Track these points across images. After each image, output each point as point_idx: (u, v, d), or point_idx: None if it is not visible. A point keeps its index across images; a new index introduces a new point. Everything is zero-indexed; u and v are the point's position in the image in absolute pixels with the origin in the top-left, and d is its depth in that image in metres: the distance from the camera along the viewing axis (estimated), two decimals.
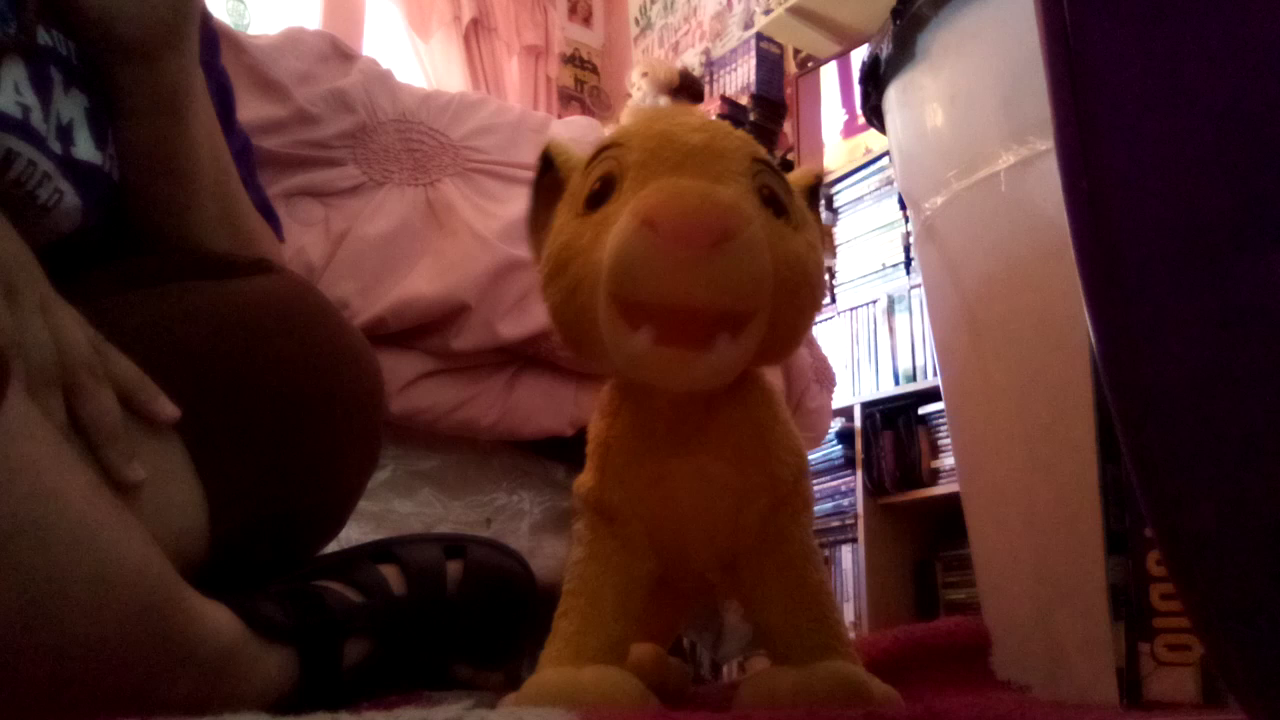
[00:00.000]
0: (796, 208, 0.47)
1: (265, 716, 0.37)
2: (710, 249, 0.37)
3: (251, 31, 1.07)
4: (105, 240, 0.56)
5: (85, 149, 0.52)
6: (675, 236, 0.37)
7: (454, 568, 0.63)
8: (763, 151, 0.47)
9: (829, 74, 2.50)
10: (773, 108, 2.69)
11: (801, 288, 0.45)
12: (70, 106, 0.52)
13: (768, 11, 2.65)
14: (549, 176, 0.52)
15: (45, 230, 0.50)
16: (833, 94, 2.48)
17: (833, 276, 2.28)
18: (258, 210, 0.66)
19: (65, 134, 0.51)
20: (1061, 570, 0.67)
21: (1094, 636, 0.63)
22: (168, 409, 0.47)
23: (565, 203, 0.48)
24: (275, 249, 0.68)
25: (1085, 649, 0.64)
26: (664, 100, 2.60)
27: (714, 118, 0.53)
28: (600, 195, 0.45)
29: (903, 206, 2.06)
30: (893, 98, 0.87)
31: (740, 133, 0.47)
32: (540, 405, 0.96)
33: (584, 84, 3.52)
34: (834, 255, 2.27)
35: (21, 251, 0.44)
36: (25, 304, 0.42)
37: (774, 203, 0.45)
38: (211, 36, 0.68)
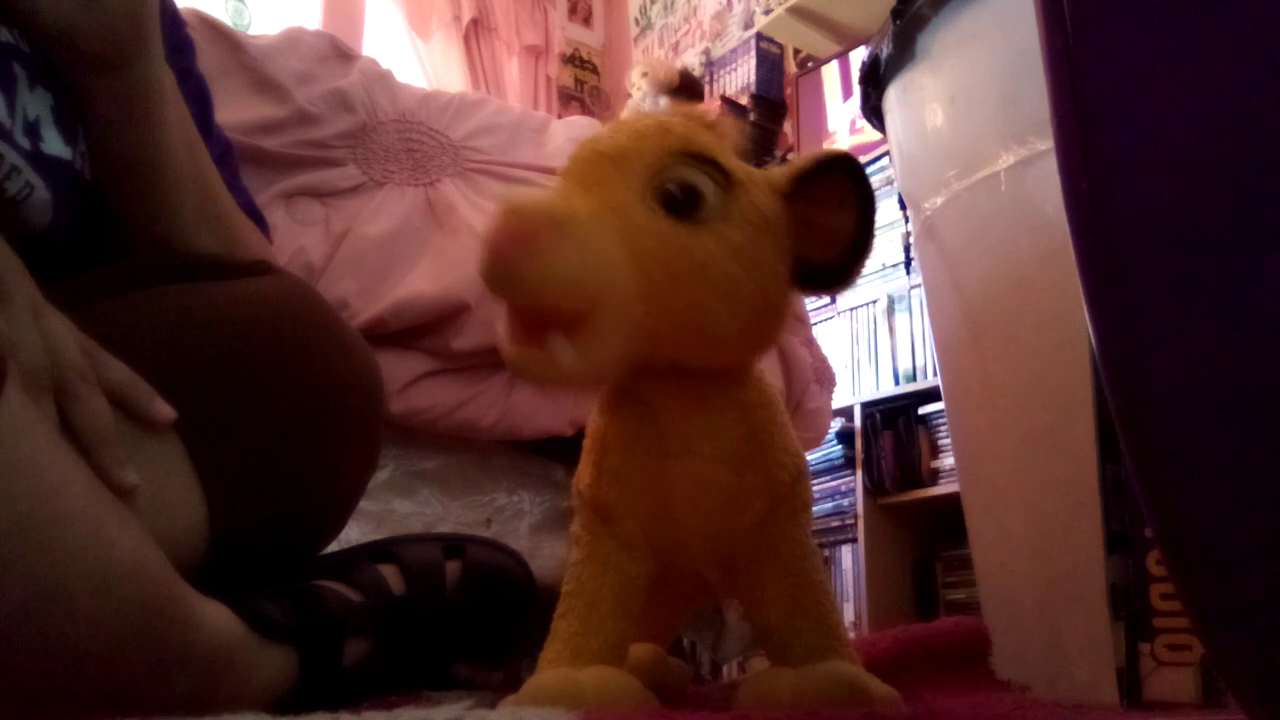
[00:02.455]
0: (736, 205, 0.46)
1: (265, 716, 0.37)
2: (512, 250, 0.40)
3: (251, 31, 1.07)
4: (81, 241, 0.56)
5: (54, 145, 0.52)
6: (489, 242, 0.41)
7: (453, 567, 0.63)
8: (700, 145, 0.47)
9: (832, 73, 2.50)
10: (773, 108, 2.69)
11: (697, 287, 0.44)
12: (36, 103, 0.52)
13: (768, 11, 2.65)
14: None
15: (17, 225, 0.50)
16: (835, 93, 2.48)
17: None
18: (244, 212, 0.66)
19: (32, 130, 0.51)
20: (1061, 570, 0.67)
21: (1094, 636, 0.63)
22: (163, 411, 0.47)
23: None
24: (265, 249, 0.68)
25: (1085, 649, 0.64)
26: (664, 100, 2.60)
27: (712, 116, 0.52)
28: None
29: (903, 206, 2.06)
30: (893, 98, 0.87)
31: (680, 129, 0.47)
32: (540, 405, 0.96)
33: (584, 84, 3.52)
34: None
35: (10, 255, 0.44)
36: (16, 307, 0.42)
37: (683, 201, 0.45)
38: (186, 43, 0.68)
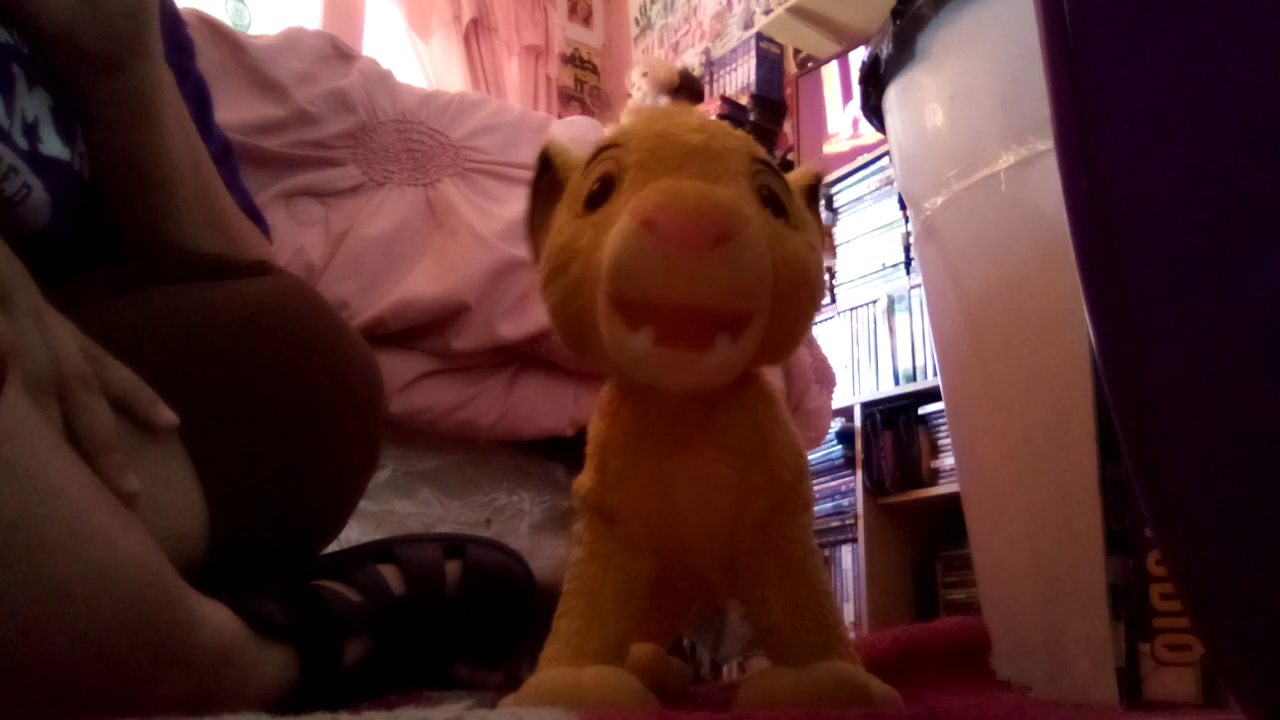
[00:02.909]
0: (795, 208, 0.47)
1: (265, 716, 0.37)
2: (710, 250, 0.38)
3: (251, 31, 1.07)
4: (79, 242, 0.56)
5: (52, 145, 0.52)
6: (675, 237, 0.37)
7: (453, 568, 0.63)
8: (762, 151, 0.47)
9: (832, 75, 2.50)
10: (773, 108, 2.69)
11: (801, 288, 0.45)
12: (34, 104, 0.52)
13: (768, 11, 2.65)
14: (547, 177, 0.52)
15: (15, 226, 0.50)
16: (835, 95, 2.48)
17: (833, 276, 2.28)
18: (243, 212, 0.66)
19: (31, 131, 0.51)
20: (1061, 570, 0.67)
21: (1094, 636, 0.63)
22: (166, 416, 0.47)
23: (564, 203, 0.48)
24: (265, 250, 0.68)
25: (1085, 649, 0.64)
26: (664, 100, 2.60)
27: (714, 118, 0.53)
28: (599, 195, 0.45)
29: (903, 206, 2.06)
30: (893, 98, 0.87)
31: (739, 133, 0.47)
32: (540, 405, 0.96)
33: (584, 84, 3.52)
34: (834, 255, 2.27)
35: (11, 258, 0.44)
36: (19, 311, 0.42)
37: (773, 203, 0.45)
38: (185, 42, 0.69)
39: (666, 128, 0.45)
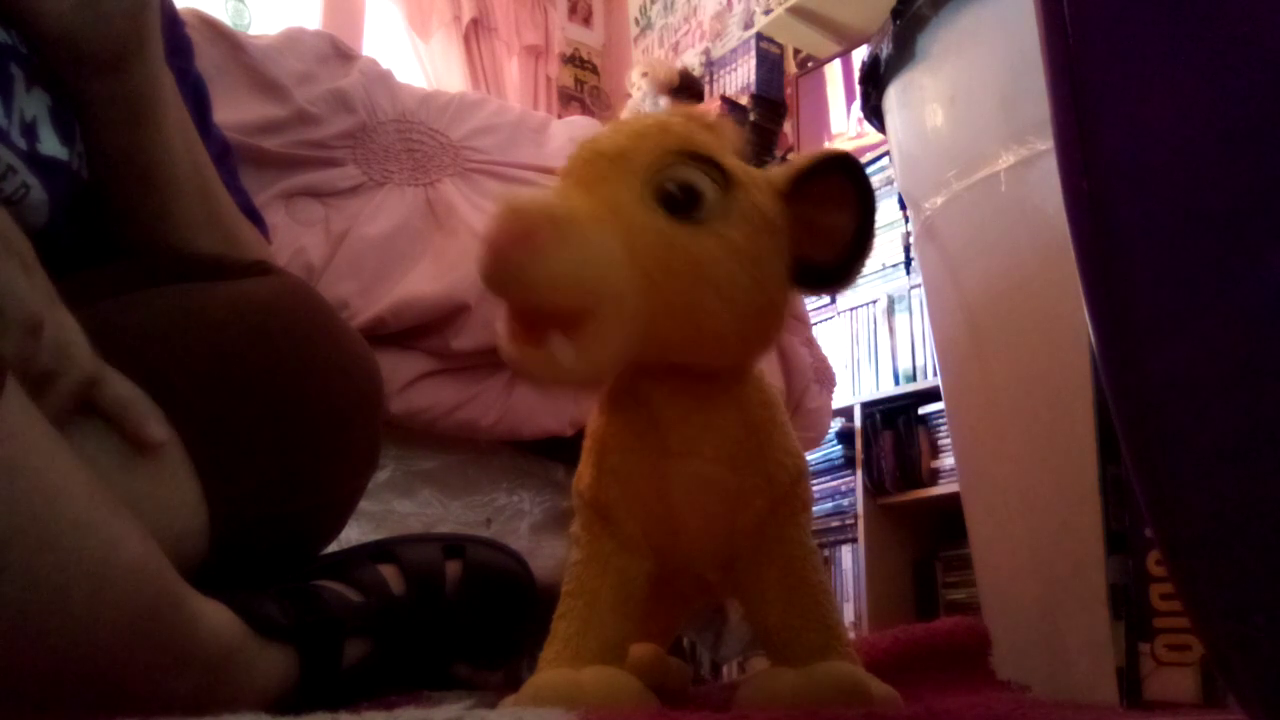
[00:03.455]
0: (735, 205, 0.46)
1: (265, 716, 0.37)
2: (511, 251, 0.40)
3: (251, 31, 1.07)
4: (78, 241, 0.56)
5: (50, 145, 0.52)
6: (489, 243, 0.41)
7: (453, 568, 0.63)
8: (699, 145, 0.47)
9: (835, 75, 2.50)
10: (773, 108, 2.69)
11: (697, 287, 0.44)
12: (33, 104, 0.52)
13: (768, 11, 2.65)
14: None
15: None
16: (839, 94, 2.48)
17: None
18: (242, 212, 0.66)
19: (29, 130, 0.51)
20: (1061, 570, 0.67)
21: (1094, 636, 0.63)
22: (156, 434, 0.47)
23: None
24: (264, 250, 0.68)
25: (1085, 649, 0.64)
26: (664, 100, 2.60)
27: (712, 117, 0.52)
28: None
29: (903, 206, 2.06)
30: (893, 98, 0.87)
31: (679, 128, 0.47)
32: (540, 405, 0.96)
33: (584, 84, 3.52)
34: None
35: (30, 246, 0.44)
36: (38, 285, 0.43)
37: (684, 202, 0.45)
38: (185, 43, 0.69)
39: (601, 133, 0.47)
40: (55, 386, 0.43)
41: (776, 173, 0.50)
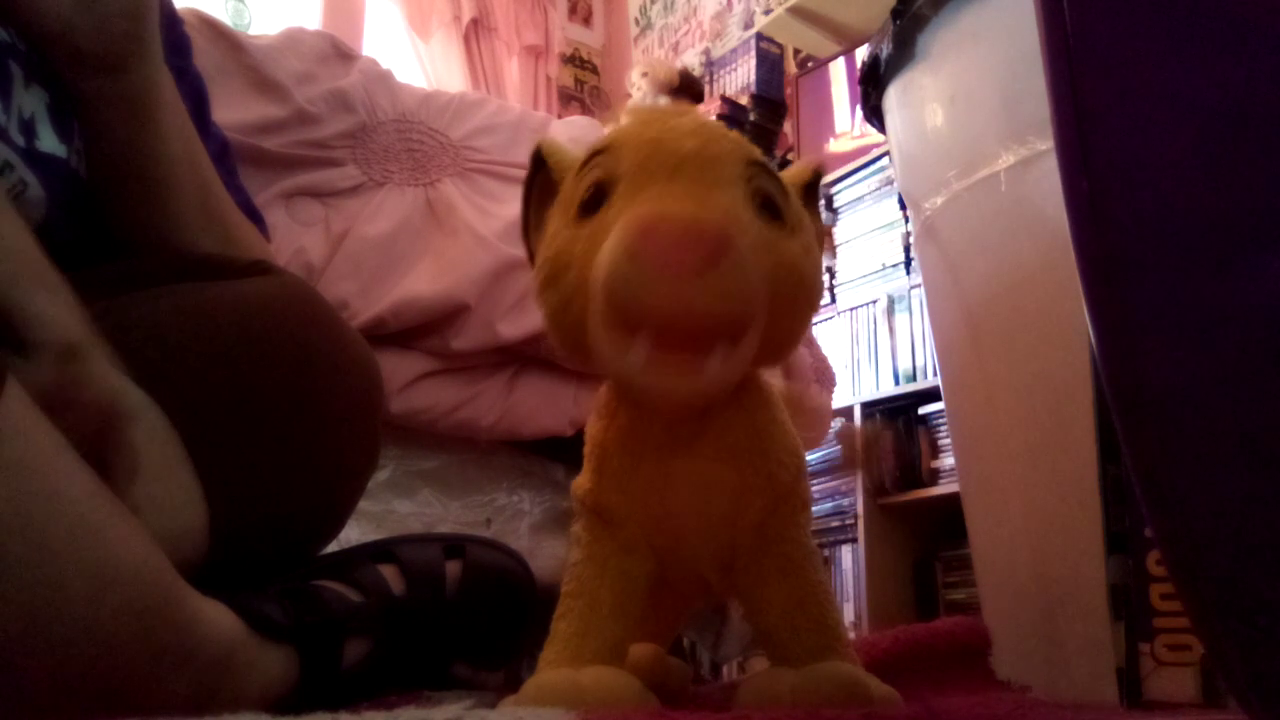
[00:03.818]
0: (792, 209, 0.47)
1: (265, 716, 0.37)
2: (699, 273, 0.38)
3: (251, 31, 1.07)
4: (76, 238, 0.56)
5: (49, 142, 0.52)
6: (663, 262, 0.38)
7: (453, 568, 0.62)
8: (757, 153, 0.47)
9: (839, 74, 2.50)
10: (773, 108, 2.69)
11: (798, 292, 0.45)
12: (31, 101, 0.52)
13: (768, 11, 2.65)
14: (542, 175, 0.52)
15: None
16: (843, 93, 2.48)
17: (833, 276, 2.28)
18: (241, 211, 0.66)
19: (27, 127, 0.51)
20: (1061, 570, 0.67)
21: (1094, 636, 0.63)
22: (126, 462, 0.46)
23: (558, 208, 0.48)
24: (264, 249, 0.68)
25: (1085, 649, 0.64)
26: (664, 100, 2.60)
27: (713, 118, 0.52)
28: (592, 203, 0.45)
29: (903, 206, 2.06)
30: (893, 98, 0.87)
31: (734, 135, 0.47)
32: (540, 405, 0.96)
33: (584, 84, 3.52)
34: (834, 255, 2.27)
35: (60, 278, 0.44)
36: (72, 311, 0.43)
37: (769, 207, 0.45)
38: (183, 41, 0.69)
39: (659, 134, 0.45)
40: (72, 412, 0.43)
41: (795, 178, 0.51)
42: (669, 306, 0.38)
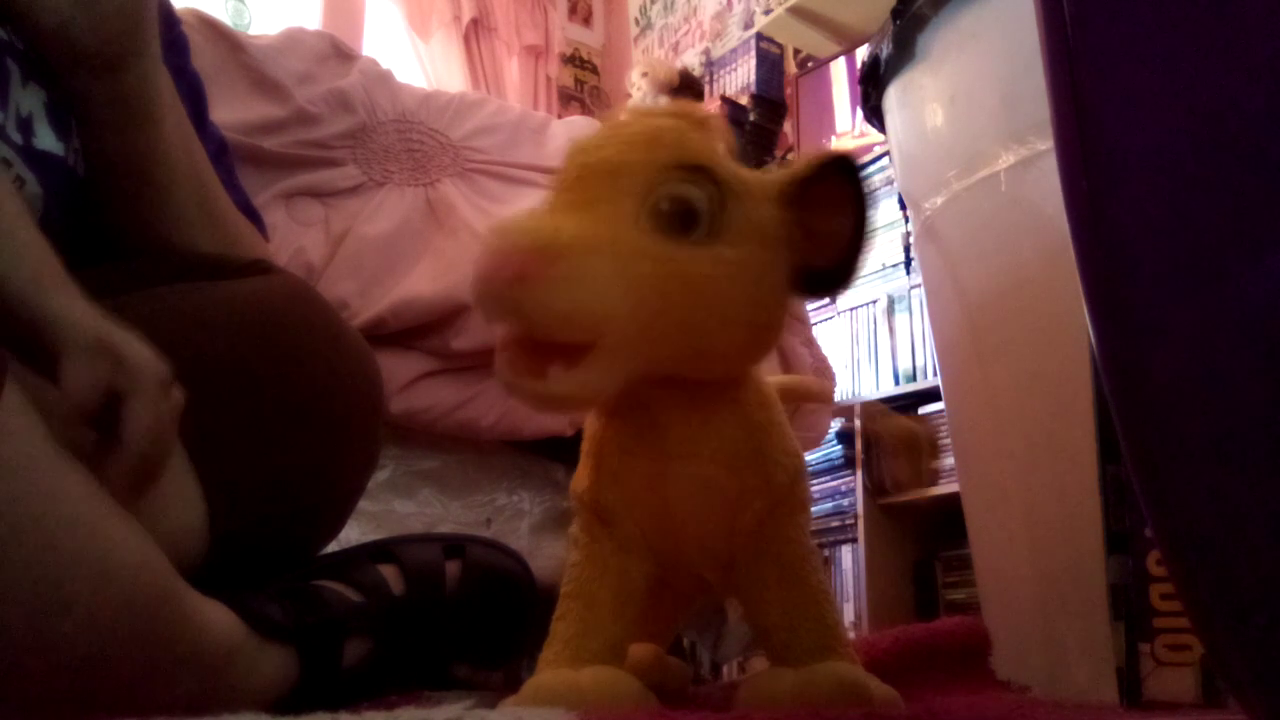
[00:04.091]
0: (729, 218, 0.45)
1: (265, 716, 0.37)
2: (501, 284, 0.40)
3: (251, 31, 1.07)
4: (73, 236, 0.56)
5: (46, 140, 0.52)
6: (481, 274, 0.40)
7: (453, 568, 0.62)
8: (692, 155, 0.45)
9: (840, 74, 2.50)
10: (773, 108, 2.69)
11: (692, 309, 0.44)
12: (29, 99, 0.52)
13: (768, 11, 2.64)
14: None
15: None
16: (844, 93, 2.48)
17: None
18: (240, 211, 0.66)
19: (25, 125, 0.51)
20: (1061, 570, 0.67)
21: (1094, 636, 0.63)
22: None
23: None
24: (262, 248, 0.68)
25: (1085, 649, 0.64)
26: (664, 100, 2.60)
27: (703, 117, 0.51)
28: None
29: (903, 206, 2.06)
30: (893, 98, 0.87)
31: (670, 137, 0.46)
32: None
33: (584, 84, 3.51)
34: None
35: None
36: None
37: (683, 217, 0.44)
38: (181, 40, 0.69)
39: (584, 144, 0.46)
40: (135, 397, 0.43)
41: (775, 179, 0.48)
42: (490, 315, 0.41)
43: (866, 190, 0.48)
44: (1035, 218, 0.69)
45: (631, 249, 0.42)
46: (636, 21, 3.49)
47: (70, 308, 0.42)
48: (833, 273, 0.49)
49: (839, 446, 2.16)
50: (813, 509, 0.55)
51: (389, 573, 0.59)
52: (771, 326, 0.48)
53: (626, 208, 0.43)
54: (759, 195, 0.47)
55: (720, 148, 0.48)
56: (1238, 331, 0.28)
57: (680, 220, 0.44)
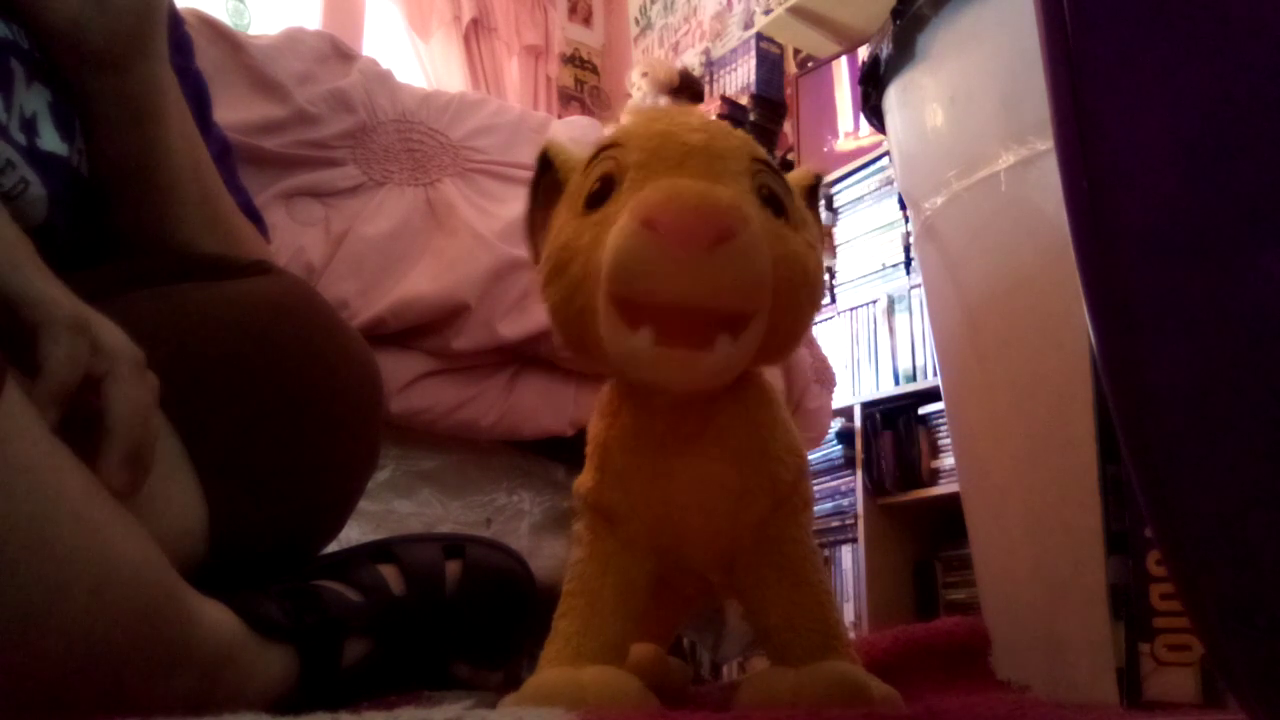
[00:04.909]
0: (795, 207, 0.47)
1: (265, 716, 0.37)
2: (710, 249, 0.38)
3: (251, 31, 1.07)
4: (77, 237, 0.56)
5: (50, 141, 0.52)
6: (675, 236, 0.37)
7: (453, 567, 0.63)
8: (762, 151, 0.47)
9: (842, 74, 2.50)
10: (773, 108, 2.69)
11: (801, 287, 0.45)
12: (33, 100, 0.52)
13: (768, 11, 2.64)
14: (548, 177, 0.52)
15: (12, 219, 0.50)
16: (846, 93, 2.48)
17: (833, 276, 2.28)
18: (242, 211, 0.66)
19: (29, 126, 0.51)
20: (1061, 570, 0.67)
21: (1094, 636, 0.63)
22: (119, 477, 0.44)
23: (565, 203, 0.48)
24: (263, 249, 0.68)
25: (1085, 649, 0.64)
26: (664, 100, 2.60)
27: (714, 117, 0.53)
28: (600, 195, 0.45)
29: (903, 206, 2.06)
30: (893, 98, 0.87)
31: (739, 133, 0.47)
32: (540, 405, 0.96)
33: (584, 84, 3.51)
34: (834, 255, 2.27)
35: (34, 250, 0.44)
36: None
37: (773, 202, 0.45)
38: (185, 41, 0.69)
39: (667, 127, 0.45)
40: (115, 380, 0.42)
41: (795, 180, 0.51)
42: (679, 281, 0.38)
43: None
44: (1035, 218, 0.69)
45: (768, 224, 0.43)
46: (636, 21, 3.49)
47: (48, 287, 0.42)
48: None
49: (839, 446, 2.16)
50: (813, 508, 0.55)
51: (389, 573, 0.59)
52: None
53: (745, 187, 0.44)
54: (799, 194, 0.50)
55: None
56: (1238, 330, 0.28)
57: (779, 207, 0.46)
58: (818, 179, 0.53)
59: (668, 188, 0.40)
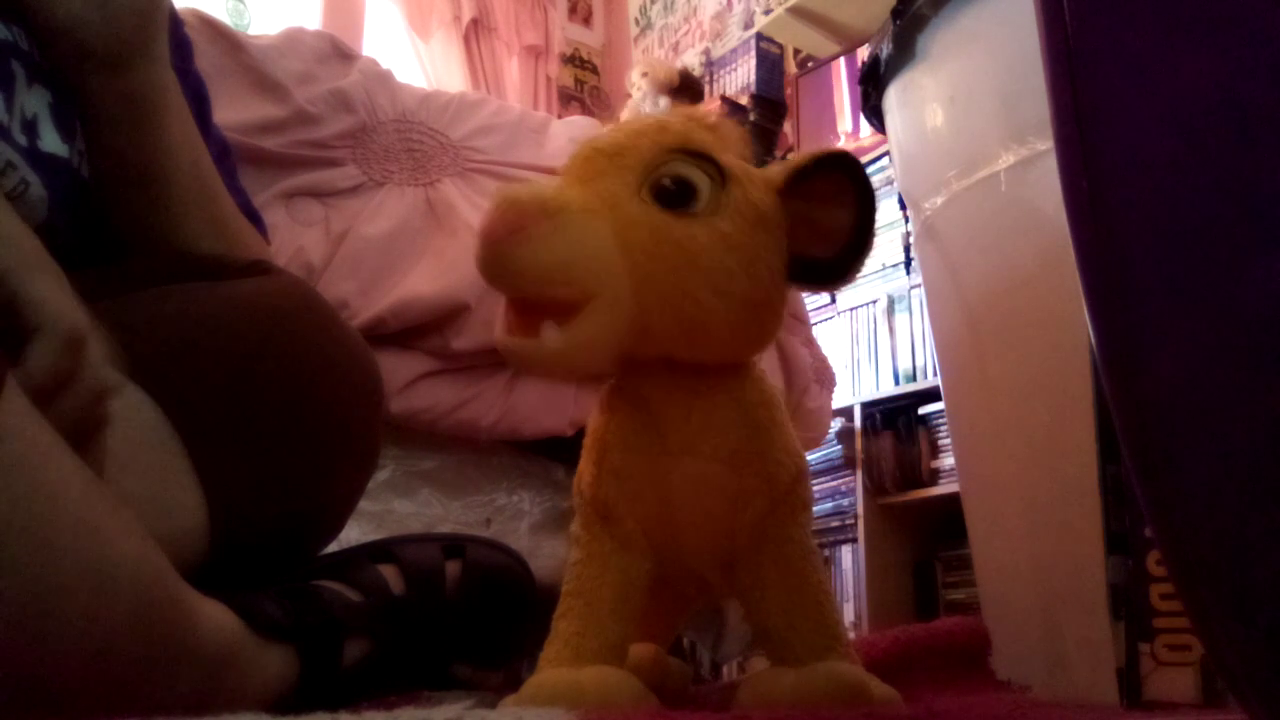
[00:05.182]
0: (730, 198, 0.47)
1: (265, 716, 0.37)
2: (503, 242, 0.42)
3: (251, 31, 1.07)
4: (77, 238, 0.56)
5: (51, 142, 0.52)
6: (481, 231, 0.42)
7: (453, 567, 0.63)
8: (696, 142, 0.47)
9: (842, 74, 2.50)
10: (773, 108, 2.69)
11: (685, 275, 0.45)
12: (34, 101, 0.52)
13: (768, 11, 2.64)
14: None
15: None
16: (846, 93, 2.48)
17: None
18: (241, 212, 0.66)
19: (30, 127, 0.51)
20: (1061, 570, 0.67)
21: (1094, 636, 0.63)
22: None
23: None
24: (263, 250, 0.68)
25: (1085, 649, 0.64)
26: (664, 100, 2.60)
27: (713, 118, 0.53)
28: None
29: (903, 206, 2.06)
30: (893, 98, 0.87)
31: (677, 126, 0.48)
32: (540, 405, 0.96)
33: (584, 84, 3.51)
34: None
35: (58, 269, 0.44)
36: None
37: (676, 194, 0.46)
38: (184, 42, 0.69)
39: (598, 134, 0.49)
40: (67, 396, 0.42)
41: (774, 170, 0.50)
42: (487, 277, 0.43)
43: (870, 186, 0.50)
44: (1035, 218, 0.69)
45: (628, 214, 0.45)
46: (636, 21, 3.49)
47: (52, 291, 0.42)
48: (834, 265, 0.50)
49: (839, 446, 2.16)
50: (813, 509, 0.55)
51: (389, 573, 0.59)
52: (766, 307, 0.49)
53: (628, 181, 0.46)
54: (760, 183, 0.49)
55: (728, 146, 0.50)
56: (1238, 331, 0.28)
57: (680, 196, 0.46)
58: (798, 170, 0.50)
59: (500, 191, 0.43)
